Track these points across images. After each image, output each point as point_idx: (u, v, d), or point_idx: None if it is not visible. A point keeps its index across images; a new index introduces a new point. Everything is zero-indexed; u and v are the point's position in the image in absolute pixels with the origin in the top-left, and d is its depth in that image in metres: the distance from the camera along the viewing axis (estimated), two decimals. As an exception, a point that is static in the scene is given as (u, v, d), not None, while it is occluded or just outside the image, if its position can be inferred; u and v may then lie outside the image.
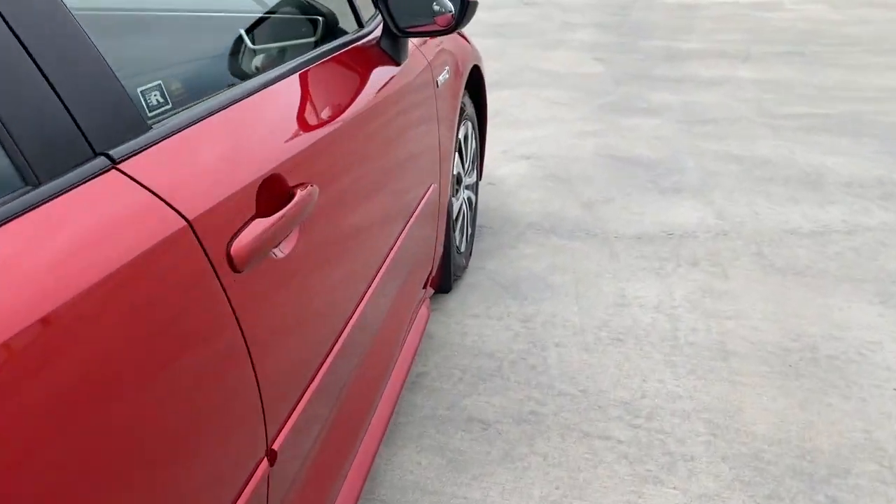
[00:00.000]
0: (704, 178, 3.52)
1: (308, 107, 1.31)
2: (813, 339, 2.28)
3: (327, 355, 1.25)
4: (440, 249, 2.18)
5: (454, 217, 2.42)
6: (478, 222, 3.08)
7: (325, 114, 1.34)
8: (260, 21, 1.49)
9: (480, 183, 3.41)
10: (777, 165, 3.67)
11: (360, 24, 1.69)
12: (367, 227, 1.45)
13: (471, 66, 2.43)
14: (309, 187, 1.11)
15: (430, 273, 2.11)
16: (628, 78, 5.34)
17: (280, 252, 1.03)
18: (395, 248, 1.66)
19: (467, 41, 2.53)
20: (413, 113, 1.74)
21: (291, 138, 1.16)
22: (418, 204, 1.85)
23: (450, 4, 1.54)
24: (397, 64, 1.68)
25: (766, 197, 3.30)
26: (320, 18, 1.62)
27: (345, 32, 1.67)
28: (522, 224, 3.08)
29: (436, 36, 1.61)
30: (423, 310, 2.09)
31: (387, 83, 1.61)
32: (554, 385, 2.09)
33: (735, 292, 2.55)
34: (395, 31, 1.61)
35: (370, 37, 1.68)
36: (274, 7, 1.58)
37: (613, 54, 6.10)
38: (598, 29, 7.42)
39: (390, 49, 1.66)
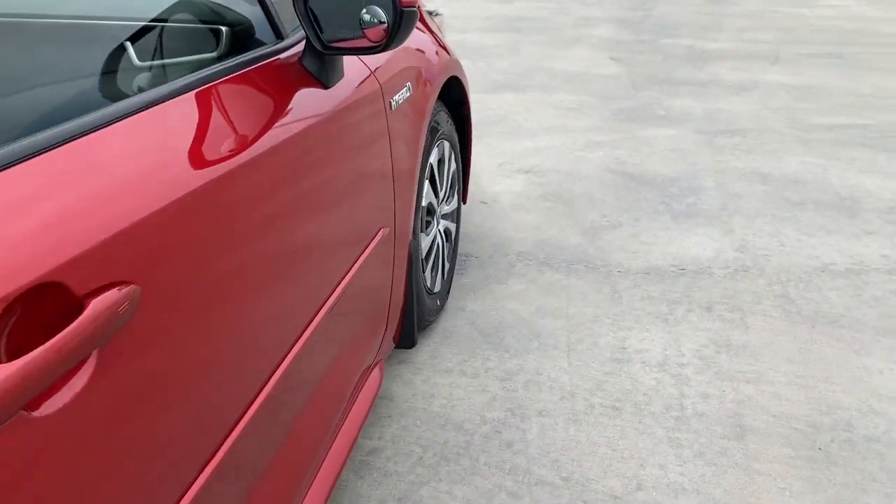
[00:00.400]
0: (725, 200, 3.12)
1: (166, 153, 0.96)
2: (847, 413, 1.89)
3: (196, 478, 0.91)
4: (398, 302, 1.83)
5: (423, 256, 2.07)
6: (464, 249, 2.73)
7: (193, 161, 0.99)
8: (119, 31, 1.15)
9: (468, 204, 3.05)
10: (808, 186, 3.26)
11: (279, 35, 1.33)
12: (269, 301, 1.11)
13: (445, 78, 2.06)
14: (119, 290, 0.76)
15: (384, 333, 1.75)
16: (647, 81, 4.94)
17: (48, 407, 0.68)
18: (319, 317, 1.31)
19: (445, 49, 2.16)
20: (347, 146, 1.39)
21: (110, 213, 0.80)
22: (359, 256, 1.49)
23: (382, 13, 1.18)
24: (324, 86, 1.32)
25: (795, 225, 2.90)
26: (223, 29, 1.27)
27: (262, 45, 1.32)
28: (513, 253, 2.71)
29: (366, 54, 1.25)
30: (375, 374, 1.74)
31: (306, 111, 1.26)
32: (532, 470, 1.73)
33: (755, 347, 2.17)
34: (317, 45, 1.25)
35: (290, 52, 1.32)
36: (146, 13, 1.22)
37: (632, 54, 5.69)
38: (618, 25, 7.00)
39: (315, 68, 1.30)
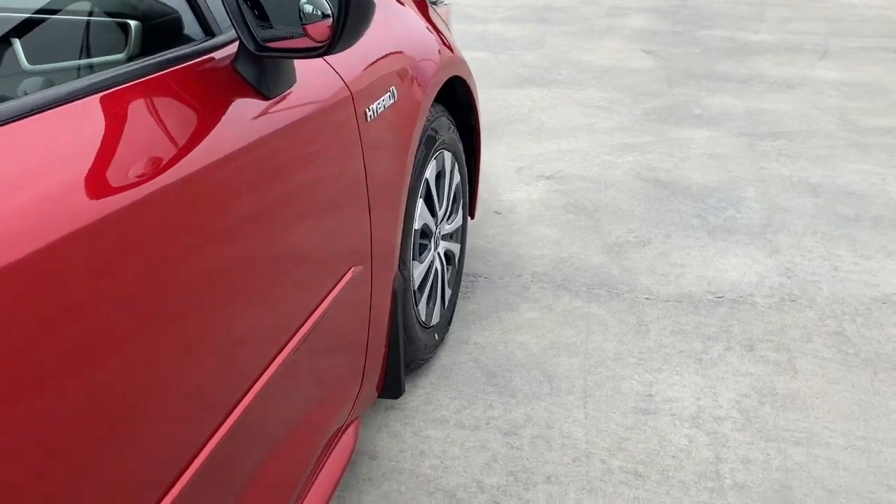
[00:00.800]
0: (769, 214, 2.78)
1: (41, 179, 0.70)
2: (921, 489, 1.57)
3: None
4: (379, 348, 1.54)
5: (416, 287, 1.77)
6: (473, 268, 2.42)
7: (85, 189, 0.75)
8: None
9: (480, 215, 2.74)
10: (864, 199, 2.90)
11: (209, 31, 1.05)
12: (201, 361, 0.89)
13: (445, 79, 1.76)
14: None
15: (359, 386, 1.47)
16: (683, 76, 4.58)
17: None
18: (267, 377, 1.05)
19: (446, 44, 1.86)
20: (297, 171, 1.10)
21: None
22: (321, 303, 1.21)
23: (326, 3, 0.88)
24: (264, 97, 1.03)
25: (850, 245, 2.56)
26: (132, 23, 0.98)
27: (190, 41, 1.03)
28: (528, 274, 2.40)
29: (307, 57, 0.96)
30: (348, 437, 1.45)
31: (236, 127, 0.97)
32: (533, 555, 1.44)
33: (805, 398, 1.84)
34: (248, 46, 0.96)
35: (221, 53, 1.03)
36: (35, 2, 0.95)
37: (668, 46, 5.32)
38: (653, 15, 6.61)
39: (251, 73, 1.01)
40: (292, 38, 0.93)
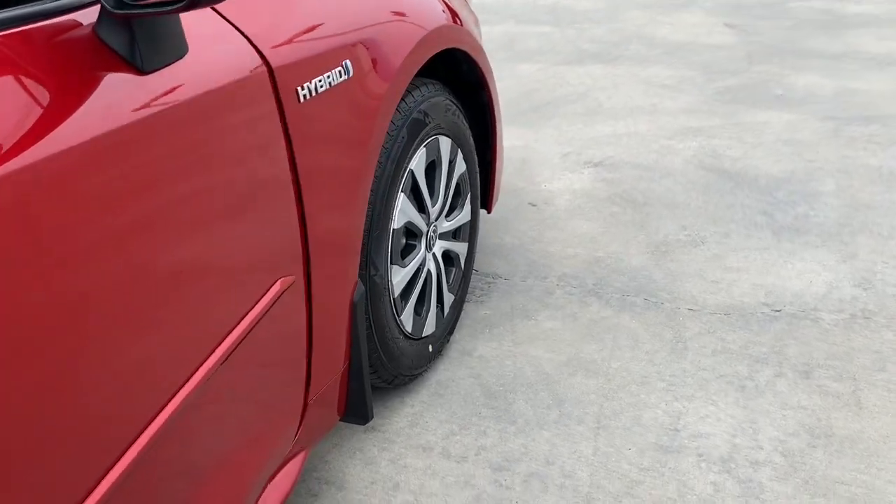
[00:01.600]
0: (848, 212, 2.39)
1: None
2: None
3: None
4: (335, 368, 1.31)
5: (398, 294, 1.54)
6: (492, 268, 2.16)
7: None
8: None
9: (512, 208, 2.47)
10: (967, 195, 2.48)
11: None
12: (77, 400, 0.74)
13: (434, 51, 1.50)
14: None
15: (301, 415, 1.24)
16: (767, 52, 4.13)
17: None
18: (163, 420, 0.87)
19: (450, 12, 1.60)
20: (190, 166, 0.89)
21: None
22: (236, 323, 1.00)
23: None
24: (138, 70, 0.81)
25: (945, 251, 2.16)
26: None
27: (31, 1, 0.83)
28: (554, 276, 2.13)
29: (167, 13, 0.74)
30: (288, 471, 1.24)
31: (99, 108, 0.77)
32: None
33: (869, 442, 1.52)
34: (106, 2, 0.75)
35: (79, 15, 0.82)
36: None
37: (754, 19, 4.85)
38: (743, -14, 6.07)
39: (118, 40, 0.80)
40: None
